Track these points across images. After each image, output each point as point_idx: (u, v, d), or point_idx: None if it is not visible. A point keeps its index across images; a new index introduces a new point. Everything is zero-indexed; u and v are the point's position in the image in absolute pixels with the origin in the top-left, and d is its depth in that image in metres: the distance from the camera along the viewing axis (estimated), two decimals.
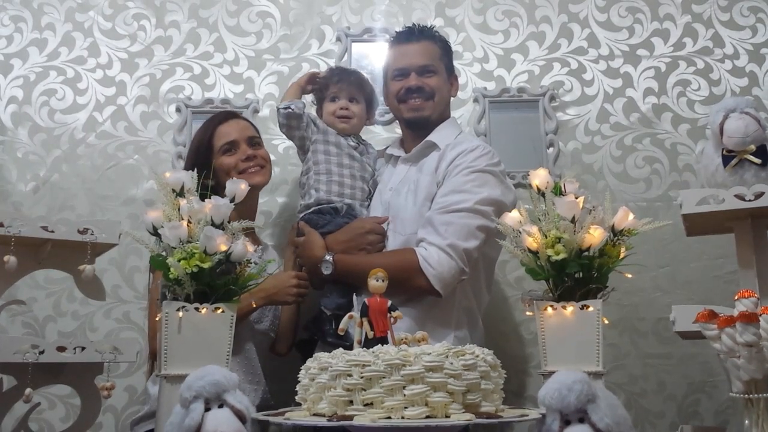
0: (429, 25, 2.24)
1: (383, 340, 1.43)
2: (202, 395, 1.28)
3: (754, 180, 1.56)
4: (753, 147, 1.56)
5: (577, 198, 1.56)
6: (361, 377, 1.26)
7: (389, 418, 1.23)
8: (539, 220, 1.58)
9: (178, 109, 2.56)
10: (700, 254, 2.41)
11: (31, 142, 2.54)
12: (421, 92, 2.11)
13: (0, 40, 2.62)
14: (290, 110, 2.11)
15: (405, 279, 1.86)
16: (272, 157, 2.23)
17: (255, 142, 2.15)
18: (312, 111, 2.24)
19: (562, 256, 1.50)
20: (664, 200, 2.47)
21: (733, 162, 1.57)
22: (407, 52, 2.15)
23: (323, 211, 2.08)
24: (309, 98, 2.29)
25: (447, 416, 1.24)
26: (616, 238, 1.59)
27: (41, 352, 1.35)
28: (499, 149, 2.19)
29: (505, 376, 1.42)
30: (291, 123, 2.13)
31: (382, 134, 2.55)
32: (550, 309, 1.54)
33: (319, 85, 2.23)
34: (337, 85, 2.18)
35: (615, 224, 1.59)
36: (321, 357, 1.37)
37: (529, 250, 1.55)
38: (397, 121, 2.30)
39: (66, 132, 2.56)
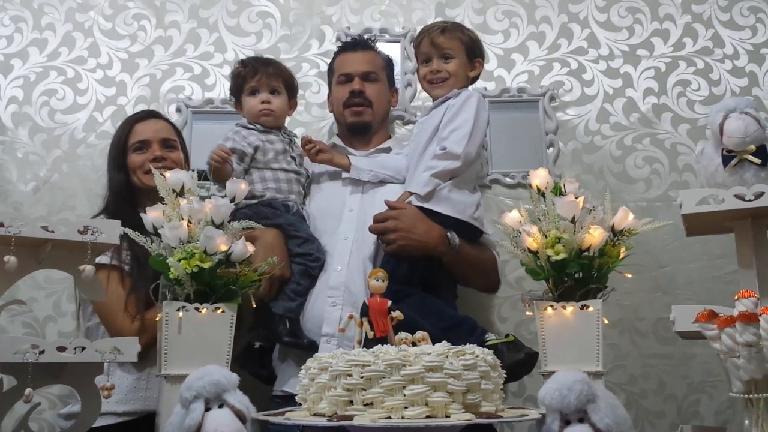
0: (372, 38, 2.40)
1: (383, 340, 1.43)
2: (203, 395, 1.28)
3: (754, 180, 1.55)
4: (753, 147, 1.56)
5: (577, 198, 1.56)
6: (361, 377, 1.26)
7: (389, 418, 1.23)
8: (539, 220, 1.59)
9: (178, 110, 2.56)
10: (700, 254, 2.41)
11: (31, 142, 2.54)
12: (362, 97, 2.20)
13: (0, 40, 2.62)
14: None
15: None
16: None
17: (169, 144, 2.12)
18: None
19: (562, 256, 1.50)
20: (664, 200, 2.47)
21: (733, 162, 1.57)
22: (352, 59, 2.26)
23: (274, 205, 2.06)
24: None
25: (447, 416, 1.24)
26: (616, 238, 1.59)
27: (41, 352, 1.35)
28: (499, 149, 2.20)
29: (505, 376, 1.42)
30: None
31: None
32: (550, 309, 1.54)
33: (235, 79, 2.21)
34: (255, 77, 2.15)
35: (615, 224, 1.60)
36: (321, 357, 1.37)
37: (529, 250, 1.56)
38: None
39: (66, 132, 2.56)
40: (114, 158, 2.11)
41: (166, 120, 2.23)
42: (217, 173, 2.03)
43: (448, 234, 1.93)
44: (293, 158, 2.15)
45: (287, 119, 2.27)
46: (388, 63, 2.34)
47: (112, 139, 2.17)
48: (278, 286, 1.95)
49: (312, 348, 1.90)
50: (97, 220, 1.61)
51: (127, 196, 2.05)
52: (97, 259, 1.90)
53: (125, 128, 2.13)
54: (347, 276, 1.98)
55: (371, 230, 1.96)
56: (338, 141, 2.30)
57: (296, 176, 2.15)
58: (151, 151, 2.08)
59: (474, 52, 2.15)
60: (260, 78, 2.14)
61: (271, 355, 2.04)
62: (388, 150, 2.25)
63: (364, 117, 2.22)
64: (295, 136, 2.26)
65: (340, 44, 2.39)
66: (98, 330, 1.98)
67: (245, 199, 2.02)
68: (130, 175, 2.07)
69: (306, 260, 2.00)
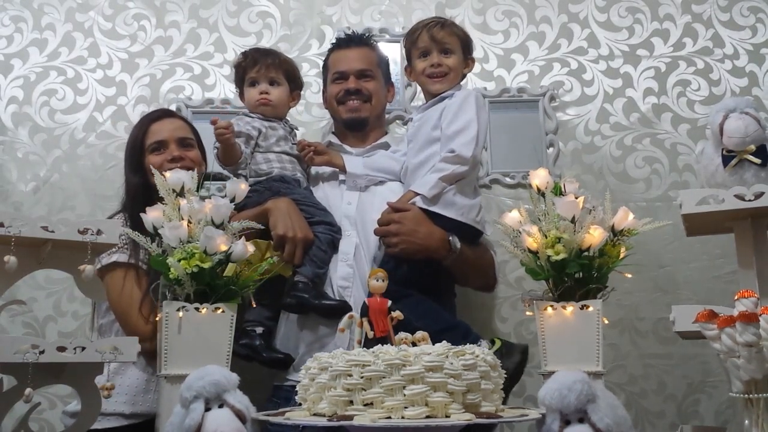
0: (367, 34, 2.36)
1: (383, 340, 1.43)
2: (202, 395, 1.28)
3: (754, 180, 1.55)
4: (753, 147, 1.56)
5: (577, 198, 1.56)
6: (361, 377, 1.26)
7: (389, 418, 1.23)
8: (539, 220, 1.59)
9: (178, 110, 2.55)
10: (700, 254, 2.41)
11: (31, 142, 2.54)
12: (359, 94, 2.20)
13: (0, 40, 2.62)
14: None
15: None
16: None
17: (186, 143, 2.09)
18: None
19: (562, 256, 1.50)
20: (664, 200, 2.47)
21: (733, 162, 1.57)
22: (347, 56, 2.24)
23: (286, 179, 2.09)
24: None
25: (447, 416, 1.24)
26: (616, 238, 1.59)
27: (41, 352, 1.35)
28: (499, 149, 2.18)
29: (505, 376, 1.42)
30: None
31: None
32: (550, 309, 1.54)
33: (237, 70, 2.22)
34: (255, 68, 2.16)
35: (615, 224, 1.60)
36: (321, 357, 1.37)
37: (529, 250, 1.56)
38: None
39: (66, 132, 2.56)
40: (130, 159, 2.09)
41: (182, 118, 2.23)
42: (227, 153, 2.05)
43: (450, 238, 1.93)
44: (294, 145, 2.19)
45: (290, 111, 2.28)
46: (384, 58, 2.34)
47: (128, 139, 2.15)
48: (303, 250, 1.96)
49: (340, 312, 1.87)
50: (97, 220, 1.60)
51: (144, 198, 2.04)
52: (115, 258, 1.92)
53: (141, 129, 2.10)
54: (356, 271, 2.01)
55: (375, 233, 1.97)
56: (334, 139, 2.30)
57: (298, 161, 2.18)
58: (168, 151, 2.05)
59: (469, 48, 2.16)
60: (259, 69, 2.16)
61: (273, 340, 2.02)
62: (386, 146, 2.25)
63: (361, 113, 2.21)
64: (296, 128, 2.29)
65: (334, 41, 2.38)
66: (112, 327, 1.98)
67: (253, 177, 2.07)
68: (147, 177, 2.00)
69: (330, 230, 2.03)
